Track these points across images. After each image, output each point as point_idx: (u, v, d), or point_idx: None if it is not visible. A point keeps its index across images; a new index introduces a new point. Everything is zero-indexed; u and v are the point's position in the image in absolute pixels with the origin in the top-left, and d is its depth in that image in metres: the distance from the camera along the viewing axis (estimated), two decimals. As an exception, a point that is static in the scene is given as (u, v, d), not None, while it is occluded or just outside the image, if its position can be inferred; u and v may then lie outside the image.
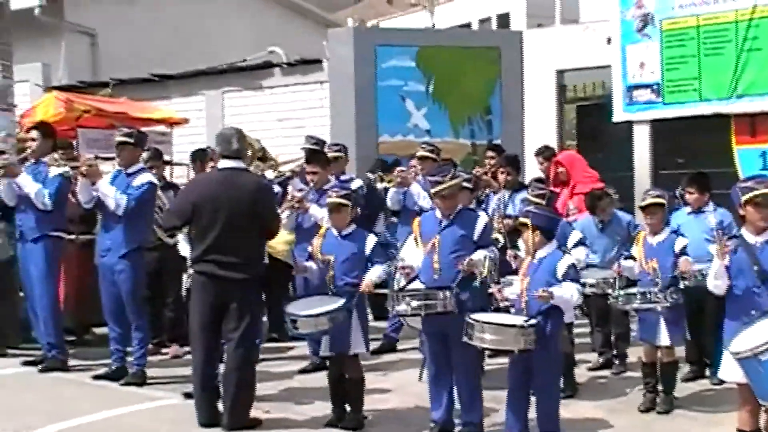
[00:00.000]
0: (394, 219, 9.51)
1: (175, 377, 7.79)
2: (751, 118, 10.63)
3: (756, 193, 5.51)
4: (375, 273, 6.48)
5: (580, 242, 7.63)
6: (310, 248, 6.82)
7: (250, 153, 7.95)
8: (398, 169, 9.03)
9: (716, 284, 5.66)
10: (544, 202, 7.49)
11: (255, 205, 6.47)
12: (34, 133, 8.44)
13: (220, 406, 6.48)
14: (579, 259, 7.37)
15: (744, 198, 5.57)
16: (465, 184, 6.73)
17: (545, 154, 10.51)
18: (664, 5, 10.99)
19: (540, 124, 13.30)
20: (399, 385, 7.77)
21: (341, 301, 6.35)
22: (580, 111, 14.79)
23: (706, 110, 10.80)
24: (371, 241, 6.66)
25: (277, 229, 7.06)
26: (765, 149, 10.58)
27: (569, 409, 6.60)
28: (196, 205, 6.45)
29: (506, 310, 6.03)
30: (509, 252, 6.28)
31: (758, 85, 10.47)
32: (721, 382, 6.49)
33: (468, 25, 27.01)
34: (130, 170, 7.92)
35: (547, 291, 5.61)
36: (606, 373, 8.22)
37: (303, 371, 8.25)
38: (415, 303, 6.04)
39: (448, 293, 5.99)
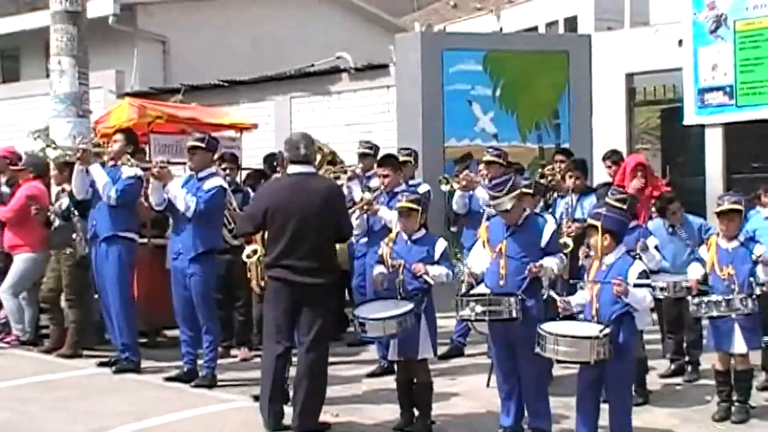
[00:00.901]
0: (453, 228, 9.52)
1: (245, 380, 7.88)
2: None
3: None
4: (436, 269, 6.48)
5: (656, 249, 7.49)
6: (380, 251, 6.84)
7: (319, 157, 7.99)
8: (464, 172, 9.00)
9: None
10: (626, 207, 7.43)
11: (326, 208, 6.49)
12: (117, 136, 8.60)
13: (287, 410, 6.53)
14: (652, 257, 7.30)
15: None
16: (525, 190, 6.54)
17: (613, 158, 10.40)
18: (738, 6, 10.79)
19: (609, 128, 13.14)
20: (467, 391, 7.74)
21: (410, 305, 6.36)
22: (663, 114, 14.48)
23: (781, 113, 10.59)
24: (441, 245, 6.66)
25: (350, 233, 7.08)
26: (844, 152, 10.32)
27: (641, 417, 6.50)
28: (268, 210, 6.50)
29: (573, 317, 5.96)
30: (582, 249, 6.16)
31: (834, 86, 10.23)
32: (800, 391, 6.36)
33: (535, 29, 26.79)
34: (201, 174, 8.03)
35: (622, 280, 5.53)
36: (678, 380, 8.09)
37: (371, 375, 8.27)
38: (479, 308, 6.00)
39: (513, 300, 5.94)
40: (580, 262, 6.78)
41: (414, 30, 14.03)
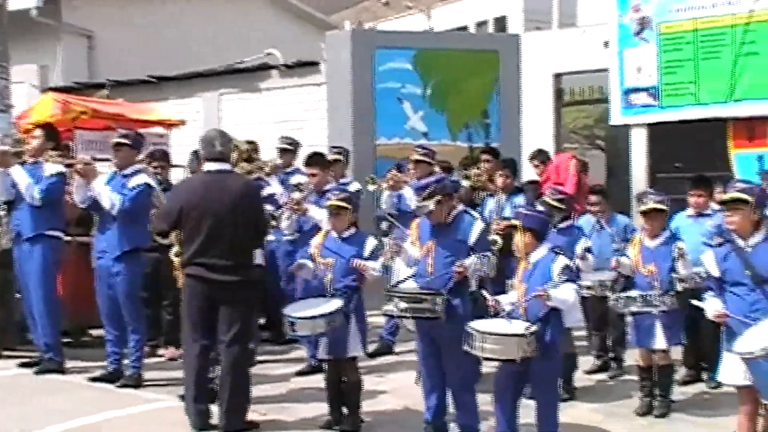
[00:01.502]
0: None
1: (172, 379, 7.78)
2: (748, 123, 10.64)
3: (725, 198, 5.56)
4: (374, 264, 6.50)
5: (588, 250, 7.55)
6: (310, 250, 6.83)
7: (235, 155, 7.92)
8: (392, 172, 9.03)
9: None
10: (564, 207, 7.55)
11: (242, 206, 6.44)
12: (36, 132, 8.41)
13: (214, 409, 6.47)
14: (590, 261, 7.40)
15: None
16: (438, 198, 6.27)
17: (540, 157, 10.56)
18: (662, 9, 10.99)
19: (537, 128, 13.31)
20: (395, 388, 7.78)
21: (339, 304, 6.36)
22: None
23: (703, 114, 10.79)
24: (371, 243, 6.67)
25: (266, 231, 7.04)
26: (762, 153, 10.57)
27: (567, 413, 6.59)
28: (183, 208, 6.43)
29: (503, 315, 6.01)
30: (489, 298, 6.16)
31: (755, 89, 10.47)
32: (719, 385, 6.52)
33: (465, 28, 26.98)
34: (126, 171, 7.90)
35: (543, 290, 5.60)
36: (603, 376, 8.24)
37: (300, 373, 8.25)
38: (403, 305, 6.04)
39: (438, 299, 5.98)
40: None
41: (345, 28, 14.02)
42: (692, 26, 10.84)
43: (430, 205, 6.14)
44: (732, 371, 5.26)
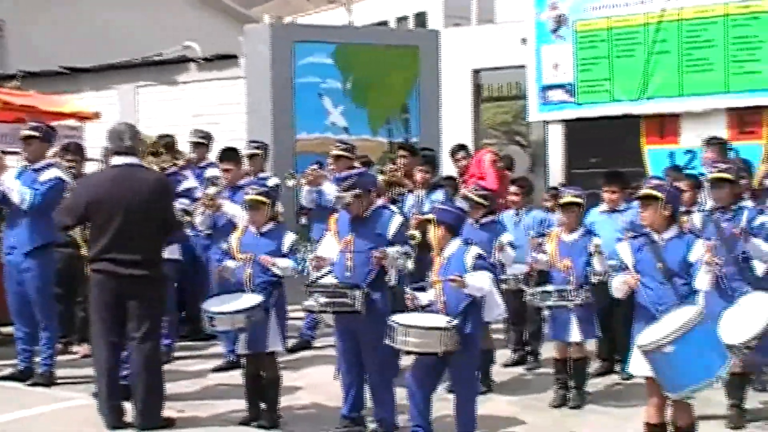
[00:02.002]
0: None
1: (85, 377, 7.59)
2: (659, 119, 10.90)
3: (638, 194, 5.69)
4: (283, 262, 6.46)
5: (510, 244, 7.63)
6: (225, 246, 6.76)
7: (141, 148, 7.78)
8: (311, 168, 9.00)
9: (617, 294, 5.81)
10: (487, 203, 7.61)
11: (153, 201, 6.34)
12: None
13: (128, 407, 6.36)
14: (509, 254, 7.46)
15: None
16: (358, 191, 6.28)
17: (460, 152, 10.63)
18: (577, 7, 11.18)
19: (456, 123, 13.40)
20: (314, 383, 7.76)
21: (259, 299, 6.31)
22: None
23: (617, 111, 11.03)
24: (290, 238, 6.64)
25: (177, 226, 6.95)
26: (673, 150, 10.86)
27: (484, 406, 6.65)
28: (91, 203, 6.30)
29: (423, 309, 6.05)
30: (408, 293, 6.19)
31: (666, 87, 10.75)
32: (631, 376, 6.65)
33: (385, 23, 27.07)
34: (37, 165, 7.69)
35: (458, 276, 5.64)
36: (520, 369, 8.34)
37: (218, 369, 8.17)
38: (323, 300, 6.04)
39: (357, 293, 5.99)
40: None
41: (264, 21, 13.89)
42: (607, 25, 11.06)
43: (348, 197, 6.14)
44: (640, 363, 5.37)
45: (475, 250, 5.87)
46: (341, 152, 8.93)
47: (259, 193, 6.62)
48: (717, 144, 8.89)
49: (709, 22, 10.54)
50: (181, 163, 8.75)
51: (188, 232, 8.40)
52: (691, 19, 10.62)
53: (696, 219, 6.77)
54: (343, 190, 6.21)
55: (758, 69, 10.28)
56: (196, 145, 9.50)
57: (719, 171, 6.63)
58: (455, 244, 5.95)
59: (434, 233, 5.97)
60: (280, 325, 6.52)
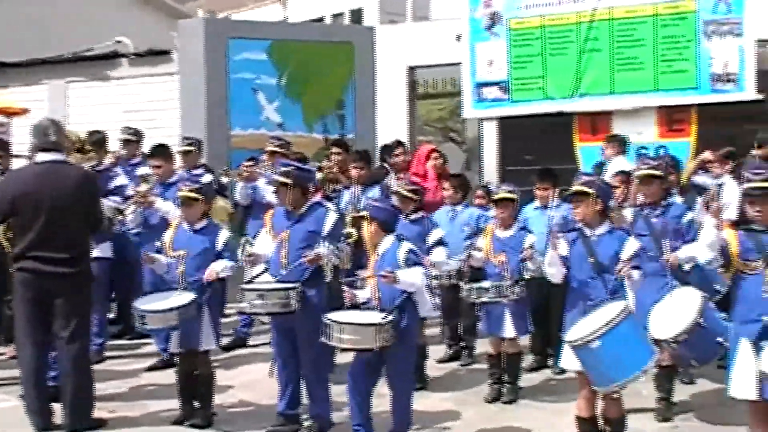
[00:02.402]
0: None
1: (13, 378, 7.43)
2: (591, 117, 11.05)
3: (570, 191, 5.78)
4: (220, 265, 6.39)
5: (441, 242, 7.62)
6: (158, 243, 6.67)
7: (67, 145, 7.63)
8: (246, 164, 8.95)
9: (551, 272, 5.88)
10: (417, 197, 7.63)
11: (78, 197, 6.25)
12: None
13: (57, 408, 6.24)
14: (440, 258, 7.49)
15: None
16: (282, 179, 6.36)
17: (398, 148, 10.62)
18: (511, 5, 11.28)
19: (392, 120, 13.42)
20: (250, 381, 7.71)
21: (191, 297, 6.25)
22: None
23: (551, 108, 11.15)
24: (224, 235, 6.58)
25: (101, 222, 6.83)
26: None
27: (419, 402, 6.66)
28: (15, 200, 6.18)
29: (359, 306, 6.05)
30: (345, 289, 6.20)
31: (598, 85, 10.90)
32: (563, 371, 6.74)
33: (321, 20, 26.98)
34: (-38, 162, 7.51)
35: (389, 271, 5.65)
36: (455, 365, 8.38)
37: (151, 368, 8.07)
38: (257, 301, 6.01)
39: (292, 292, 5.98)
40: None
41: (198, 17, 13.76)
42: (540, 23, 11.17)
43: (282, 178, 6.17)
44: (571, 357, 5.44)
45: (407, 246, 5.89)
46: (276, 148, 8.92)
47: (192, 190, 6.56)
48: (616, 141, 9.53)
49: (639, 21, 10.72)
50: (108, 160, 8.61)
51: (119, 229, 8.26)
52: (622, 18, 10.79)
53: (627, 214, 6.88)
54: (279, 174, 6.24)
55: (686, 68, 10.48)
56: (125, 142, 9.37)
57: (649, 167, 6.75)
58: (389, 240, 5.96)
59: (368, 229, 5.98)
60: (214, 323, 6.46)
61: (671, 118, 10.73)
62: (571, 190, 5.83)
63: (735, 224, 7.47)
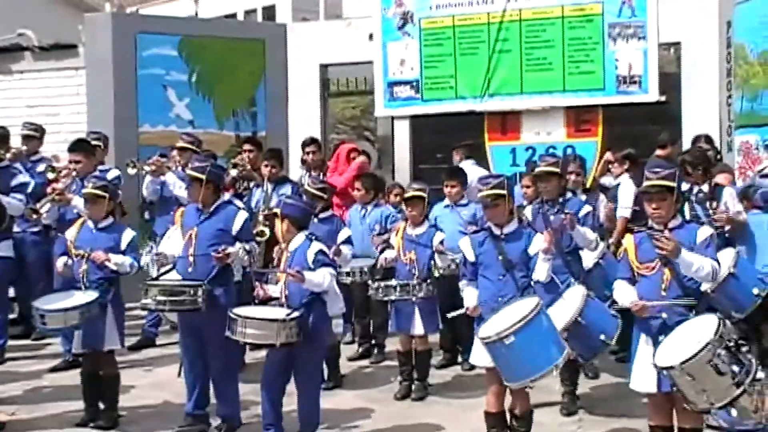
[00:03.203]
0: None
1: None
2: (501, 117, 11.18)
3: (482, 194, 5.85)
4: (120, 258, 6.28)
5: (348, 241, 7.64)
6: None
7: None
8: (154, 157, 8.81)
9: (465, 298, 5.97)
10: (326, 196, 7.63)
11: None
12: None
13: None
14: (346, 255, 7.49)
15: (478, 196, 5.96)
16: (196, 174, 6.29)
17: (313, 146, 10.61)
18: (423, 4, 11.32)
19: (305, 117, 13.36)
20: (158, 381, 7.61)
21: (94, 295, 6.12)
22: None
23: (462, 108, 11.24)
24: (128, 235, 6.46)
25: (3, 220, 6.63)
26: (514, 146, 11.15)
27: (330, 400, 6.69)
28: None
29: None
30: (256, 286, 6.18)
31: (508, 85, 11.02)
32: (472, 367, 6.81)
33: (233, 16, 26.76)
34: None
35: (297, 271, 5.63)
36: (365, 362, 8.40)
37: (54, 369, 7.89)
38: (161, 297, 5.92)
39: (198, 289, 5.91)
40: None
41: (105, 10, 13.44)
42: (451, 22, 11.25)
43: (196, 173, 6.12)
44: (481, 354, 5.51)
45: (317, 246, 5.87)
46: (187, 144, 8.84)
47: (98, 187, 6.43)
48: (463, 146, 10.08)
49: (548, 23, 10.88)
50: (8, 156, 8.37)
51: (16, 228, 8.07)
52: (531, 19, 10.94)
53: (527, 212, 6.99)
54: (191, 169, 6.21)
55: (592, 70, 10.68)
56: (26, 138, 9.13)
57: (546, 165, 6.90)
58: (300, 238, 5.93)
59: (280, 227, 5.95)
60: (118, 323, 6.34)
61: (579, 118, 10.92)
62: (484, 192, 5.87)
63: (630, 221, 7.74)
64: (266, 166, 8.84)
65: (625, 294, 5.24)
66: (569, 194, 7.06)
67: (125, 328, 6.60)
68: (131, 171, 8.81)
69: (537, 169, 7.01)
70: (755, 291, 6.33)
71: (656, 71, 10.45)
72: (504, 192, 5.77)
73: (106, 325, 6.23)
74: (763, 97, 9.68)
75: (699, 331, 4.86)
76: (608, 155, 9.08)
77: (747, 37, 9.98)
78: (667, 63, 12.31)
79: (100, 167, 8.76)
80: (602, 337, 5.92)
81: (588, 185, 8.77)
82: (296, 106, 12.83)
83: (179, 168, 8.61)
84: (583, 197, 7.49)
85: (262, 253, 7.65)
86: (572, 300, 6.03)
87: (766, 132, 9.05)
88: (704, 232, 5.22)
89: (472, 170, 9.25)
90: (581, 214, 6.82)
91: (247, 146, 9.54)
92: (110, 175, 8.25)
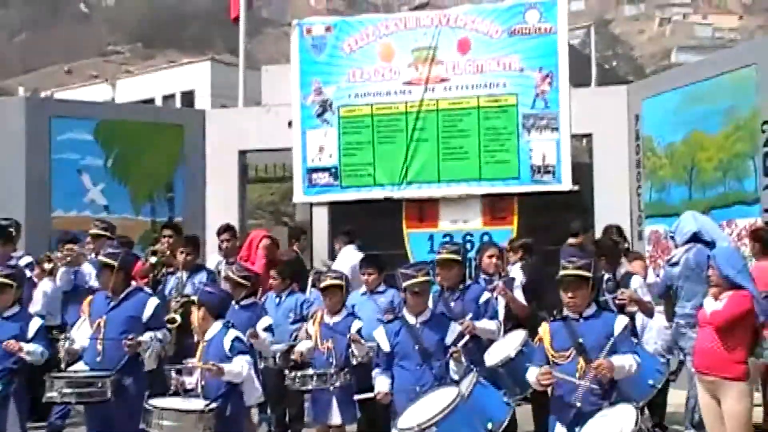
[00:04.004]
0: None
1: None
2: (419, 204, 11.30)
3: (411, 282, 5.87)
4: (30, 346, 6.10)
5: (269, 329, 7.58)
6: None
7: None
8: (68, 246, 8.65)
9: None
10: (249, 283, 7.56)
11: None
12: None
13: None
14: (264, 340, 7.39)
15: (403, 285, 5.95)
16: (108, 261, 6.35)
17: (228, 232, 10.52)
18: (341, 93, 11.47)
19: (223, 203, 13.28)
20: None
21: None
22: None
23: (380, 195, 11.33)
24: (35, 323, 6.29)
25: None
26: (432, 233, 11.25)
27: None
28: None
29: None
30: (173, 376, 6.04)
31: (425, 172, 11.18)
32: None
33: (152, 101, 26.72)
34: None
35: (214, 364, 5.53)
36: (282, 454, 8.22)
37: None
38: (67, 390, 5.75)
39: (107, 380, 5.76)
40: None
41: (19, 94, 13.28)
42: (370, 111, 11.41)
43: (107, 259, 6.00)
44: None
45: (233, 333, 5.78)
46: (100, 231, 8.75)
47: (5, 275, 6.26)
48: (342, 234, 10.10)
49: (464, 113, 11.12)
50: None
51: None
52: (448, 109, 11.17)
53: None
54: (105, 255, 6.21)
55: (508, 159, 10.92)
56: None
57: (447, 252, 6.97)
58: (216, 326, 5.84)
59: (196, 315, 5.85)
60: (20, 414, 6.11)
61: (495, 206, 11.11)
62: (408, 283, 5.90)
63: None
64: (181, 253, 8.74)
65: (533, 372, 5.27)
66: (468, 281, 7.16)
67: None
68: (47, 266, 8.62)
69: (438, 256, 7.08)
70: (650, 382, 6.46)
71: (569, 161, 10.73)
72: (430, 278, 5.84)
73: (8, 418, 6.00)
74: (671, 188, 10.01)
75: (617, 421, 4.89)
76: (504, 244, 9.19)
77: (654, 130, 10.38)
78: (580, 153, 12.66)
79: (12, 254, 8.58)
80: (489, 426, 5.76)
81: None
82: (214, 191, 12.78)
83: (92, 255, 8.47)
84: (500, 283, 7.57)
85: (173, 341, 7.50)
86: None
87: (673, 222, 9.33)
88: (621, 321, 5.31)
89: (354, 255, 9.27)
90: (481, 301, 6.90)
91: (166, 232, 9.45)
92: (23, 262, 8.06)
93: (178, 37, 69.78)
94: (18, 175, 11.22)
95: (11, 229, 8.76)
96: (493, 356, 6.74)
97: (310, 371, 6.99)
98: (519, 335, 6.87)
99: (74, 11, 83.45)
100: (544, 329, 5.40)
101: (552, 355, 5.26)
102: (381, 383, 5.84)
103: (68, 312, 8.73)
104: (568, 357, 5.20)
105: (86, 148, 11.74)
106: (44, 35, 69.55)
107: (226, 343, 5.71)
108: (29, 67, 36.14)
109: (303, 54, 11.61)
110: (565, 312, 5.31)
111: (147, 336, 5.98)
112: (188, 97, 26.30)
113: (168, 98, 27.21)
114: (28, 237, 10.08)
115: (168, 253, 9.11)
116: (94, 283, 8.20)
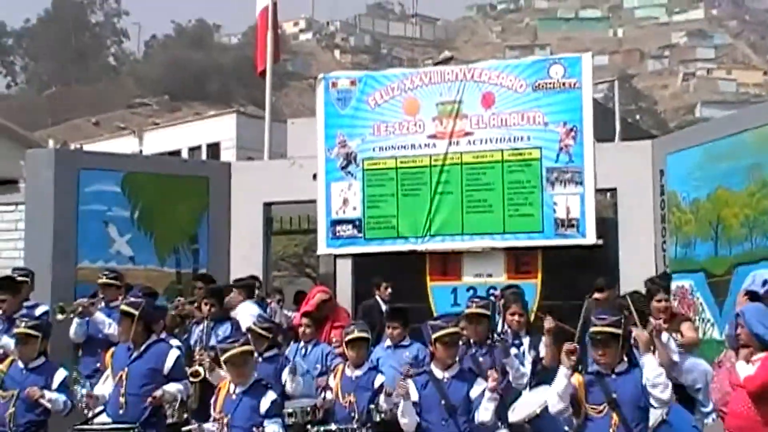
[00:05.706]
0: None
1: None
2: (442, 257, 11.28)
3: (443, 332, 5.84)
4: (53, 395, 6.09)
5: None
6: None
7: None
8: (80, 300, 8.75)
9: (404, 422, 5.87)
10: (270, 335, 7.57)
11: None
12: None
13: None
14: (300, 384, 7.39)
15: (434, 336, 5.91)
16: (129, 310, 6.38)
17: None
18: (366, 146, 11.55)
19: (248, 255, 13.33)
20: None
21: (21, 440, 5.89)
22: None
23: (403, 247, 11.33)
24: (60, 374, 6.31)
25: None
26: (455, 286, 11.21)
27: None
28: None
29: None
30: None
31: (449, 225, 11.18)
32: None
33: (178, 153, 26.97)
34: None
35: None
36: None
37: None
38: None
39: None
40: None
41: (49, 146, 13.45)
42: (394, 164, 11.46)
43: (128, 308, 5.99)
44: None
45: (272, 396, 5.78)
46: (110, 280, 8.85)
47: (30, 326, 6.29)
48: (241, 287, 9.91)
49: (488, 166, 11.14)
50: None
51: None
52: (472, 163, 11.19)
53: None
54: (126, 304, 6.31)
55: (531, 212, 10.91)
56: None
57: (477, 306, 6.92)
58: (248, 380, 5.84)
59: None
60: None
61: (519, 260, 11.06)
62: (441, 333, 5.87)
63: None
64: (206, 304, 8.78)
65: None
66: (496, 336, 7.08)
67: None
68: (60, 317, 8.65)
69: (467, 310, 7.03)
70: None
71: (593, 215, 10.70)
72: (460, 330, 5.81)
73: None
74: (696, 244, 9.93)
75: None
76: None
77: (679, 185, 10.33)
78: (604, 208, 12.61)
79: (26, 303, 8.64)
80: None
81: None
82: (238, 243, 12.81)
83: (103, 304, 8.58)
84: (526, 340, 7.50)
85: (197, 394, 7.48)
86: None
87: (700, 278, 9.24)
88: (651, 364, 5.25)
89: (251, 308, 9.16)
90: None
91: (198, 283, 9.55)
92: (38, 311, 8.12)
93: (203, 90, 70.66)
94: (46, 226, 11.30)
95: (21, 279, 8.84)
96: (517, 412, 6.68)
97: (333, 426, 6.93)
98: (544, 391, 6.79)
99: (103, 64, 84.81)
100: (578, 380, 5.35)
101: (585, 408, 5.22)
102: (406, 407, 5.78)
103: (82, 363, 8.77)
104: (601, 411, 5.17)
105: (113, 199, 11.81)
106: (73, 88, 70.68)
107: (264, 404, 5.70)
108: (58, 120, 36.59)
109: (328, 107, 11.72)
110: (596, 367, 5.28)
111: (170, 387, 5.96)
112: (214, 149, 26.53)
113: (194, 150, 27.45)
114: (53, 288, 10.14)
115: (196, 304, 9.20)
116: (109, 331, 8.25)
